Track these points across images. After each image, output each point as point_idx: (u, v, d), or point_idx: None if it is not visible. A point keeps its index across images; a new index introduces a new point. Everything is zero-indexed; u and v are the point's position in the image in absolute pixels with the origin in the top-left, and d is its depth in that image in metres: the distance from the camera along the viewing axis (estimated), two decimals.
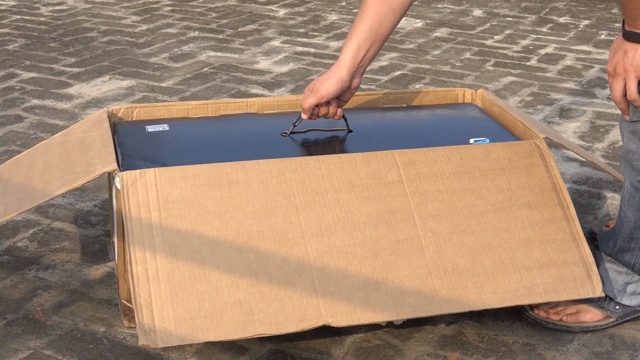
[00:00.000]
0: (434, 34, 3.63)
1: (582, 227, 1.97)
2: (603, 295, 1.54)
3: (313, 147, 1.65)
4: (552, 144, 2.35)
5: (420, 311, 1.45)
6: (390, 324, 1.58)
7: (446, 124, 1.79)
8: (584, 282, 1.52)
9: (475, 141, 1.67)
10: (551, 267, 1.52)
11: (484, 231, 1.53)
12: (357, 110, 1.86)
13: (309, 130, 1.71)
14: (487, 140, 1.67)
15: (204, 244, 1.42)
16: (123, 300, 1.57)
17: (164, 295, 1.38)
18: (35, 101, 2.78)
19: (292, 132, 1.69)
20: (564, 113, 2.71)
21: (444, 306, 1.45)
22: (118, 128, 1.70)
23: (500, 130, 1.74)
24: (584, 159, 2.36)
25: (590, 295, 1.52)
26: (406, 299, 1.44)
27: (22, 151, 2.38)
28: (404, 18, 3.89)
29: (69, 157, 1.60)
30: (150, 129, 1.70)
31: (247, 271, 1.41)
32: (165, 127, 1.71)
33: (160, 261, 1.40)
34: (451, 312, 1.46)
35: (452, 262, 1.49)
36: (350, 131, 1.72)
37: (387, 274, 1.46)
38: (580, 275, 1.53)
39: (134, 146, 1.62)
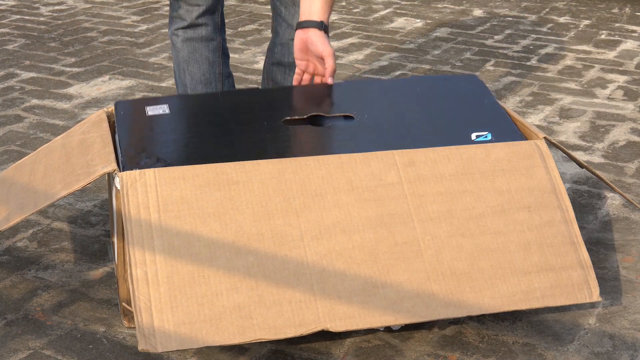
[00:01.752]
0: (434, 34, 3.63)
1: (582, 228, 1.97)
2: (600, 300, 1.54)
3: (314, 134, 1.63)
4: (551, 144, 2.35)
5: (418, 316, 1.45)
6: (387, 328, 1.58)
7: (449, 110, 1.75)
8: (581, 286, 1.53)
9: (477, 136, 1.65)
10: (549, 272, 1.52)
11: (482, 234, 1.52)
12: (361, 91, 1.82)
13: (310, 116, 1.69)
14: (489, 135, 1.66)
15: (204, 246, 1.42)
16: (123, 303, 1.57)
17: (163, 298, 1.38)
18: (35, 101, 2.78)
19: (293, 119, 1.67)
20: (564, 113, 2.71)
21: (441, 311, 1.45)
22: (118, 107, 1.68)
23: (502, 117, 1.72)
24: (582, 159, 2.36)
25: (587, 301, 1.52)
26: (404, 303, 1.44)
27: (22, 151, 2.38)
28: (404, 18, 3.89)
29: (70, 159, 1.60)
30: (150, 111, 1.67)
31: (246, 274, 1.41)
32: (166, 109, 1.68)
33: (159, 264, 1.40)
34: (448, 317, 1.47)
35: (451, 266, 1.49)
36: (352, 117, 1.69)
37: (385, 278, 1.45)
38: (578, 280, 1.53)
39: (134, 133, 1.60)
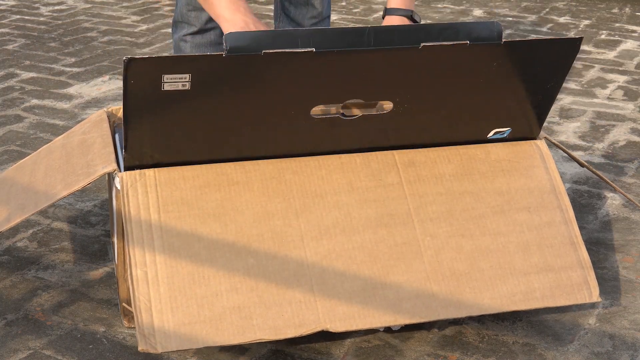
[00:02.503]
0: None
1: (582, 228, 1.97)
2: (600, 300, 1.54)
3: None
4: (551, 144, 2.35)
5: (417, 317, 1.45)
6: (387, 329, 1.58)
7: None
8: (580, 287, 1.53)
9: (494, 133, 1.62)
10: (549, 272, 1.52)
11: (482, 235, 1.53)
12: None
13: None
14: (509, 131, 1.62)
15: (204, 247, 1.42)
16: (123, 304, 1.57)
17: (163, 299, 1.38)
18: (35, 101, 2.78)
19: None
20: (564, 113, 2.71)
21: (441, 312, 1.46)
22: (129, 69, 1.31)
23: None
24: (583, 159, 2.36)
25: (587, 301, 1.53)
26: (404, 304, 1.45)
27: (22, 151, 2.38)
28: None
29: (70, 160, 1.60)
30: (167, 84, 1.35)
31: (246, 275, 1.41)
32: (186, 81, 1.37)
33: (160, 264, 1.40)
34: (448, 318, 1.47)
35: (450, 266, 1.49)
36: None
37: (385, 279, 1.46)
38: (578, 280, 1.53)
39: (143, 128, 1.41)
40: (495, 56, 1.45)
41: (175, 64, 1.31)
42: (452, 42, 1.40)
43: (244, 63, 1.35)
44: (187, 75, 1.34)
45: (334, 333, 1.56)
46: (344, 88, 1.45)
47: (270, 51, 1.33)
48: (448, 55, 1.43)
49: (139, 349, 1.34)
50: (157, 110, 1.37)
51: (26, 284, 1.74)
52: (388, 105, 1.50)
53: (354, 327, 1.43)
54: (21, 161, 1.77)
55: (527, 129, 1.62)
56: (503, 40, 1.44)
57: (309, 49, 1.35)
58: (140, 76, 1.31)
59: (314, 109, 1.45)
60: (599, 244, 1.91)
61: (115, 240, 1.58)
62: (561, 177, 2.23)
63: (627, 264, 1.83)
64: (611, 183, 1.82)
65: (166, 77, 1.33)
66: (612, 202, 2.10)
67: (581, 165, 1.78)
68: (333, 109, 1.53)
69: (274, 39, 1.36)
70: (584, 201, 2.11)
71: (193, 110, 1.39)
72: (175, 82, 1.34)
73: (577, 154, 2.40)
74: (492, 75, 1.48)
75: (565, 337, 1.59)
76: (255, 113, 1.43)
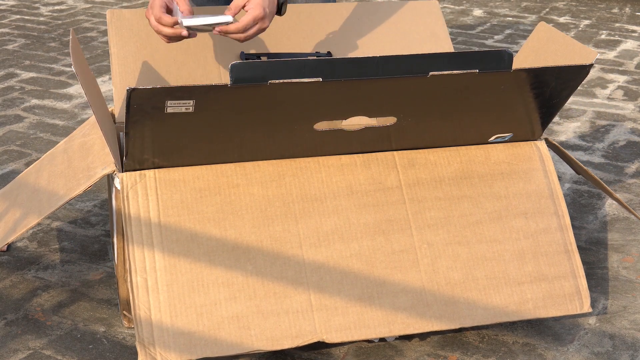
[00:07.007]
0: None
1: (582, 228, 1.97)
2: (591, 310, 1.55)
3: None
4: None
5: (412, 328, 1.46)
6: (382, 339, 1.58)
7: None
8: (572, 297, 1.53)
9: (496, 137, 1.62)
10: (542, 282, 1.53)
11: (479, 243, 1.53)
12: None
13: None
14: (510, 136, 1.62)
15: (203, 253, 1.42)
16: (124, 311, 1.57)
17: (163, 307, 1.38)
18: (34, 101, 2.79)
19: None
20: (564, 113, 2.71)
21: (435, 323, 1.46)
22: (133, 97, 1.32)
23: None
24: (584, 158, 2.36)
25: (578, 312, 1.53)
26: (399, 314, 1.45)
27: (22, 151, 2.38)
28: None
29: (71, 164, 1.59)
30: (170, 107, 1.37)
31: (244, 283, 1.42)
32: (190, 105, 1.38)
33: (160, 271, 1.40)
34: (442, 329, 1.47)
35: (446, 275, 1.49)
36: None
37: (381, 288, 1.46)
38: (570, 290, 1.54)
39: (144, 142, 1.44)
40: (504, 81, 1.45)
41: (179, 92, 1.31)
42: (460, 71, 1.39)
43: (249, 92, 1.35)
44: (191, 101, 1.34)
45: None
46: (349, 108, 1.45)
47: (276, 81, 1.32)
48: (456, 82, 1.42)
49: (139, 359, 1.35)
50: (160, 124, 1.38)
51: (26, 284, 1.75)
52: (391, 120, 1.50)
53: (349, 338, 1.43)
54: (26, 170, 1.77)
55: (529, 134, 1.62)
56: (512, 68, 1.42)
57: (316, 79, 1.34)
58: (143, 100, 1.31)
59: (317, 124, 1.46)
60: (599, 244, 1.91)
61: (115, 240, 1.58)
62: (561, 176, 2.23)
63: (627, 264, 1.83)
64: (607, 187, 1.82)
65: (169, 102, 1.33)
66: (612, 202, 2.10)
67: (577, 172, 1.77)
68: (336, 122, 1.53)
69: (281, 69, 1.35)
70: (584, 201, 2.11)
71: (195, 125, 1.40)
72: (179, 106, 1.34)
73: (577, 154, 2.40)
74: (498, 96, 1.48)
75: (565, 337, 1.59)
76: (258, 127, 1.44)
